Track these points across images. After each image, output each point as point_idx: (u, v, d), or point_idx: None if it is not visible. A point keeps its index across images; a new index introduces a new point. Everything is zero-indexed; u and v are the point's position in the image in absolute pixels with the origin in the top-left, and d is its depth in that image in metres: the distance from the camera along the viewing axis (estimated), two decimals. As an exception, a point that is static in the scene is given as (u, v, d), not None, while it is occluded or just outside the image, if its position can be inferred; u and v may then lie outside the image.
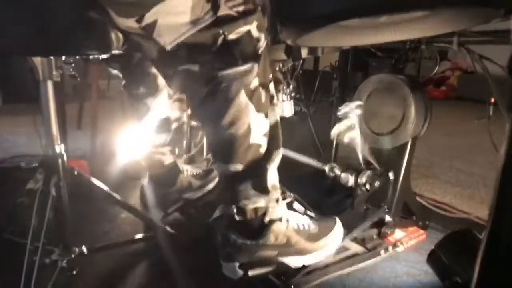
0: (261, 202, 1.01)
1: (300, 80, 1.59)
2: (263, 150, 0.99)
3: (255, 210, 1.02)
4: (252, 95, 0.94)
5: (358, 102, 1.24)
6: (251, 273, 1.04)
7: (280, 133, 1.06)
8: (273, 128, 1.03)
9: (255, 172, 1.00)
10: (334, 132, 1.25)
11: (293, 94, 1.55)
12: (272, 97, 1.03)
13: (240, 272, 1.04)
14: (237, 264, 1.04)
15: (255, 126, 0.96)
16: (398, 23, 0.94)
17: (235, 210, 1.02)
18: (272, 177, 1.03)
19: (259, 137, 0.97)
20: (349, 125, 1.21)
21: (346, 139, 1.22)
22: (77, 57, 1.10)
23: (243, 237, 1.03)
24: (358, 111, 1.22)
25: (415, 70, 1.32)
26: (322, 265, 1.11)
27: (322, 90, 1.71)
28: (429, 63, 1.36)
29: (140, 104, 1.35)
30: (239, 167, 0.98)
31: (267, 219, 1.03)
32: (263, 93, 0.97)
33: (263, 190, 1.01)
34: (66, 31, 0.87)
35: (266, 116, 0.99)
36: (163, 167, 1.42)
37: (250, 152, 0.97)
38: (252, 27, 0.91)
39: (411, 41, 1.21)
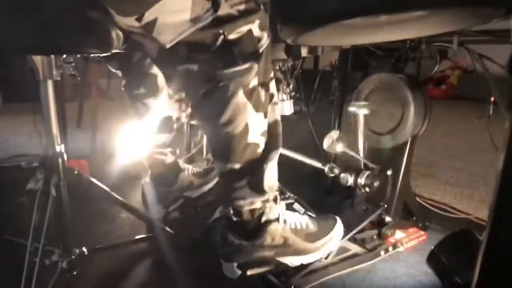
0: (257, 203, 1.01)
1: (300, 79, 1.59)
2: (260, 149, 0.99)
3: (252, 211, 1.02)
4: (250, 94, 0.93)
5: (364, 102, 1.24)
6: (249, 272, 1.04)
7: (280, 132, 1.05)
8: (272, 127, 1.02)
9: (252, 172, 0.99)
10: (326, 144, 1.25)
11: (293, 93, 1.54)
12: (272, 96, 1.03)
13: (239, 272, 1.04)
14: (235, 264, 1.04)
15: (253, 125, 0.95)
16: (398, 22, 0.94)
17: (231, 211, 1.02)
18: (270, 177, 1.03)
19: (256, 137, 0.97)
20: (339, 135, 1.23)
21: (338, 149, 1.22)
22: (78, 55, 1.11)
23: (240, 237, 1.03)
24: (365, 110, 1.22)
25: (415, 69, 1.32)
26: (322, 266, 1.11)
27: (322, 89, 1.71)
28: (429, 62, 1.36)
29: (140, 104, 1.35)
30: (236, 166, 0.98)
31: (263, 219, 1.03)
32: (262, 92, 0.96)
33: (260, 190, 1.01)
34: (66, 29, 0.87)
35: (265, 116, 0.98)
36: (164, 166, 1.43)
37: (247, 152, 0.97)
38: (254, 26, 0.90)
39: (411, 40, 1.21)
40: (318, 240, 1.09)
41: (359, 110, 1.22)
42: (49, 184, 1.02)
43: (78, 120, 2.84)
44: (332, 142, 1.23)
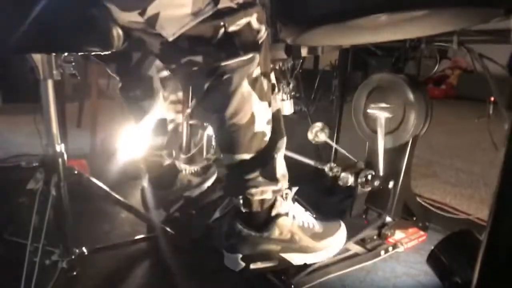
0: (268, 193, 1.02)
1: (300, 79, 1.59)
2: (267, 138, 1.00)
3: (261, 202, 1.02)
4: (254, 84, 0.95)
5: (385, 105, 1.24)
6: (252, 266, 1.04)
7: (282, 121, 1.06)
8: (276, 116, 1.03)
9: (262, 161, 1.00)
10: (310, 136, 1.32)
11: (293, 93, 1.54)
12: (273, 86, 1.04)
13: (242, 264, 1.03)
14: (239, 255, 1.03)
15: (259, 114, 0.97)
16: (398, 22, 0.94)
17: (241, 201, 1.03)
18: (280, 166, 1.04)
19: (263, 125, 0.98)
20: (321, 126, 1.32)
21: (321, 138, 1.31)
22: (78, 54, 1.11)
23: (248, 227, 1.03)
24: (386, 114, 1.22)
25: (415, 69, 1.32)
26: (322, 265, 1.11)
27: (322, 89, 1.71)
28: (429, 62, 1.36)
29: (136, 107, 1.35)
30: (246, 156, 0.98)
31: (273, 212, 1.04)
32: (265, 82, 0.98)
33: (273, 178, 1.02)
34: (67, 27, 0.87)
35: (269, 105, 1.00)
36: (161, 168, 1.43)
37: (255, 141, 0.98)
38: (252, 19, 0.92)
39: (411, 40, 1.21)
40: (323, 240, 1.09)
41: (380, 113, 1.22)
42: (49, 184, 1.02)
43: (78, 120, 2.84)
44: (315, 132, 1.32)
